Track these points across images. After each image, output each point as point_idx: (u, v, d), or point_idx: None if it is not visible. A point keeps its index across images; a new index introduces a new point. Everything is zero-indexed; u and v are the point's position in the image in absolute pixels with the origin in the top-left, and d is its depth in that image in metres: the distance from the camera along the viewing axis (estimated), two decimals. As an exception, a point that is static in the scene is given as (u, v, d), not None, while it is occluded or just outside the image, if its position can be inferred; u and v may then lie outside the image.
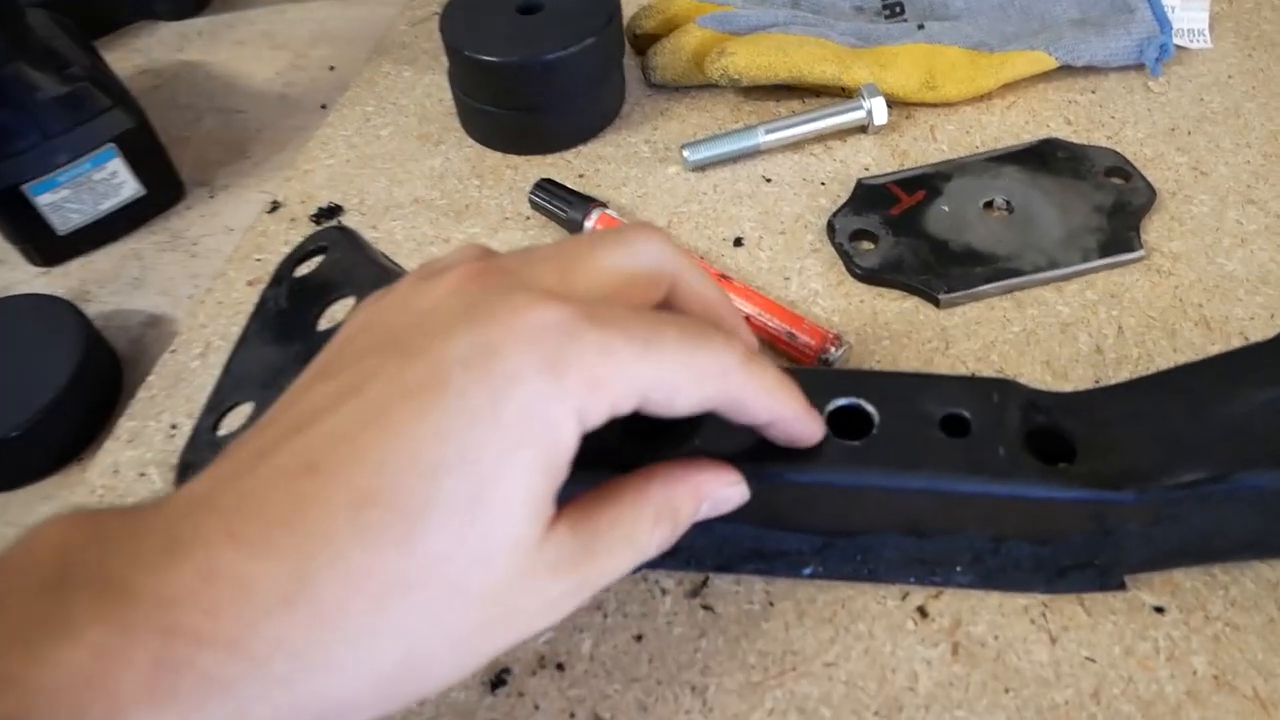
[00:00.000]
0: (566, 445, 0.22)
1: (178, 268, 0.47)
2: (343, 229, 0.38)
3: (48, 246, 0.47)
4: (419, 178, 0.49)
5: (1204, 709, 0.29)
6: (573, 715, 0.31)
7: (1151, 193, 0.44)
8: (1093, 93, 0.50)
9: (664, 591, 0.33)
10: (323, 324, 0.36)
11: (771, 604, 0.33)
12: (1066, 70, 0.51)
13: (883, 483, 0.28)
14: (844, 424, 0.30)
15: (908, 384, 0.30)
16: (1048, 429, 0.29)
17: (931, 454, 0.28)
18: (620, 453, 0.28)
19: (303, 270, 0.38)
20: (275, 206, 0.48)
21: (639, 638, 0.32)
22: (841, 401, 0.29)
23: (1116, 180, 0.44)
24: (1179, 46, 0.52)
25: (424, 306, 0.23)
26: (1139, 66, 0.51)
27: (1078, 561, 0.30)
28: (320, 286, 0.37)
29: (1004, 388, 0.30)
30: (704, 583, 0.33)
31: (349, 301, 0.36)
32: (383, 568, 0.20)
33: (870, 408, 0.29)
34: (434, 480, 0.20)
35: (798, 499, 0.30)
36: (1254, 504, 0.28)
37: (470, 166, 0.50)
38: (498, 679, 0.32)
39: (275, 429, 0.22)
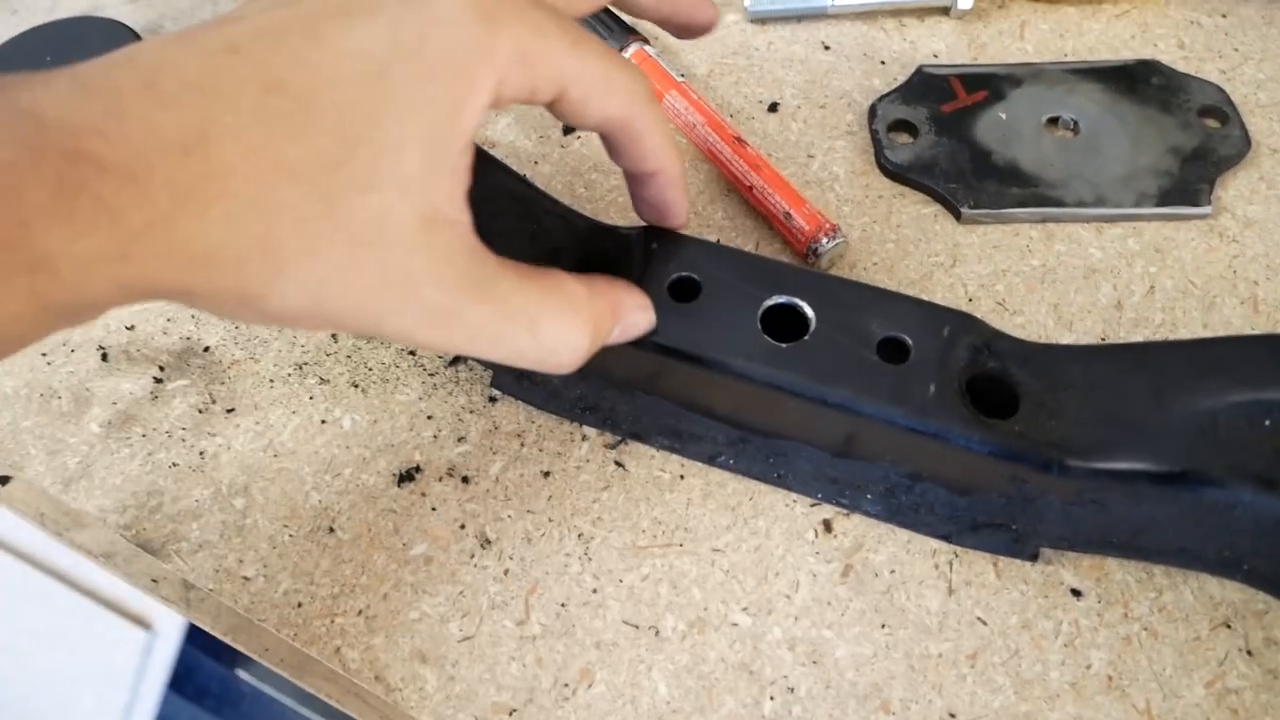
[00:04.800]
0: (478, 104, 0.19)
1: (246, 21, 0.42)
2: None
3: (135, -25, 0.42)
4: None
5: (1083, 705, 0.23)
6: (463, 527, 0.27)
7: (1246, 144, 0.33)
8: (1223, 16, 0.38)
9: (584, 438, 0.28)
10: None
11: (682, 478, 0.27)
12: (1202, -14, 0.38)
13: (798, 389, 0.22)
14: (783, 325, 0.23)
15: (859, 295, 0.23)
16: (997, 376, 0.22)
17: (857, 373, 0.22)
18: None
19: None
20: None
21: (547, 474, 0.28)
22: (780, 299, 0.23)
23: (1210, 122, 0.34)
24: (1348, -14, 0.38)
25: None
26: (1289, -1, 0.38)
27: (993, 521, 0.24)
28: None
29: (961, 322, 0.23)
30: (623, 440, 0.28)
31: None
32: (276, 151, 0.18)
33: (809, 311, 0.22)
34: (342, 89, 0.18)
35: (718, 386, 0.24)
36: (1192, 512, 0.21)
37: None
38: (406, 474, 0.28)
39: (202, 25, 0.19)
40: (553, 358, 0.21)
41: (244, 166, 0.18)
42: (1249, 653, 0.24)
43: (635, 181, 0.25)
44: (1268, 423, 0.21)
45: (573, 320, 0.21)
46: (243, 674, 0.62)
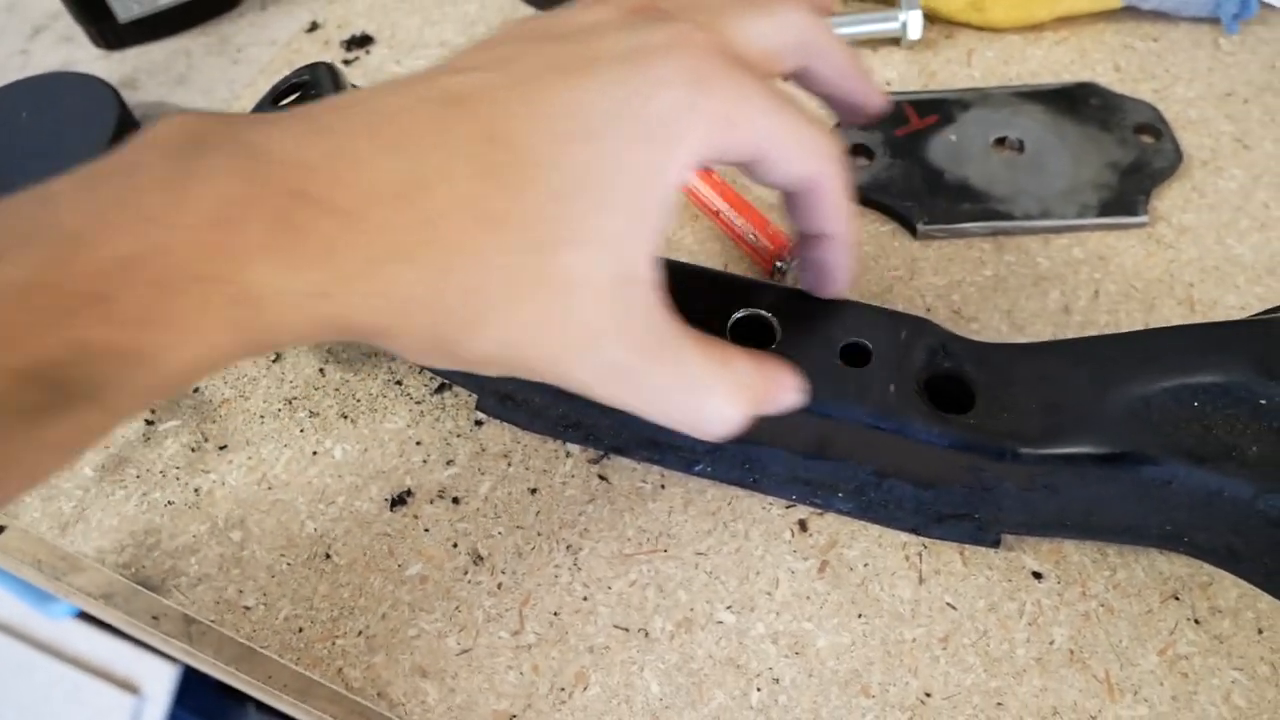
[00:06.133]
0: (683, 165, 0.21)
1: (219, 72, 0.45)
2: (330, 66, 0.35)
3: (109, 31, 0.46)
4: (453, 20, 0.46)
5: (1049, 678, 0.26)
6: (455, 545, 0.30)
7: (1178, 157, 0.37)
8: (1154, 40, 0.43)
9: (568, 455, 0.32)
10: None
11: (663, 487, 0.31)
12: (1131, 12, 0.44)
13: (766, 396, 0.25)
14: (747, 335, 0.26)
15: (821, 305, 0.27)
16: (952, 375, 0.26)
17: (821, 378, 0.25)
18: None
19: (286, 104, 0.36)
20: (314, 26, 0.45)
21: (534, 490, 0.31)
22: (745, 312, 0.26)
23: (1145, 138, 0.38)
24: (1266, 5, 0.43)
25: (584, 21, 0.22)
26: (1213, 20, 0.43)
27: (956, 511, 0.27)
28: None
29: (916, 326, 0.26)
30: (605, 454, 0.31)
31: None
32: (489, 201, 0.19)
33: (775, 322, 0.26)
34: (561, 145, 0.20)
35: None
36: (1133, 489, 0.25)
37: (501, 18, 0.46)
38: (398, 498, 0.31)
39: (422, 76, 0.21)
40: (706, 428, 0.23)
41: (457, 215, 0.19)
42: (1196, 621, 0.27)
43: (808, 243, 0.26)
44: (1195, 404, 0.25)
45: (737, 399, 0.22)
46: (231, 733, 0.63)
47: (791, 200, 0.25)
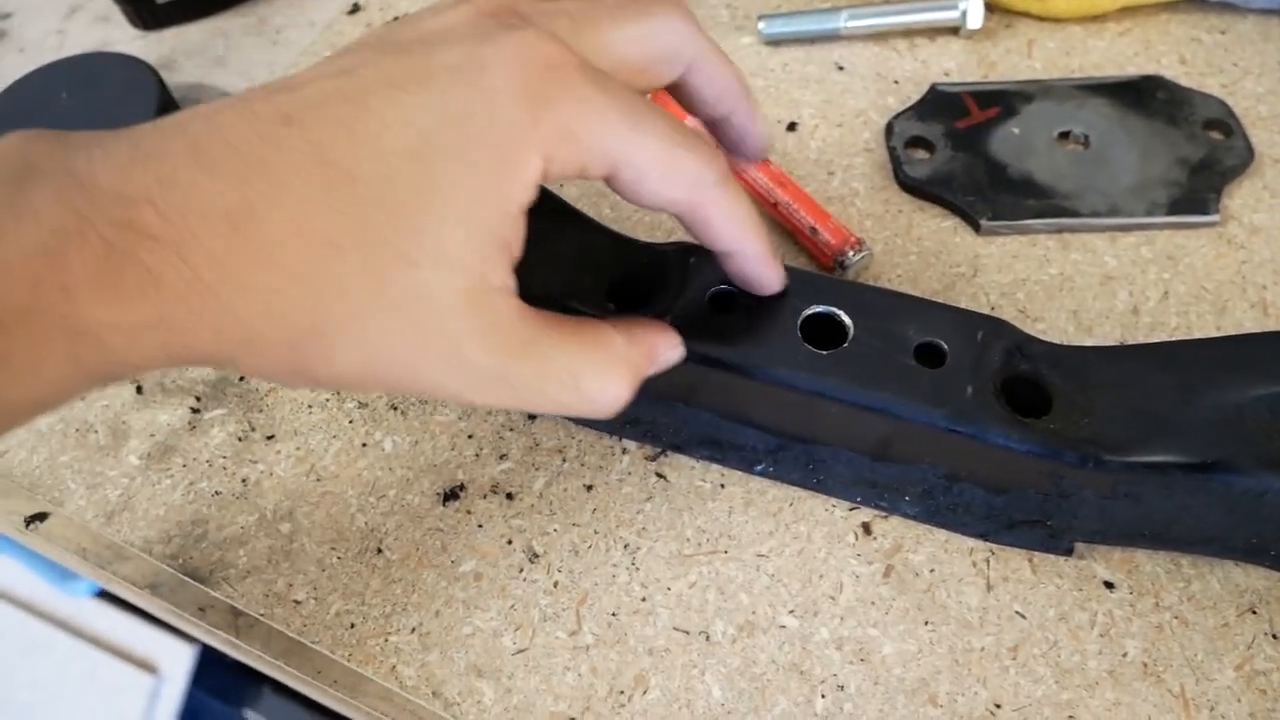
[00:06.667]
0: (525, 182, 0.20)
1: (259, 53, 0.45)
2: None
3: (146, 11, 0.45)
4: (498, 4, 0.45)
5: (1122, 692, 0.26)
6: (510, 542, 0.30)
7: (1250, 155, 0.36)
8: (1221, 33, 0.42)
9: (625, 451, 0.31)
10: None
11: (723, 486, 0.30)
12: (1197, 3, 0.42)
13: (840, 395, 0.25)
14: (820, 333, 0.26)
15: (894, 303, 0.26)
16: (1029, 378, 0.25)
17: (896, 378, 0.24)
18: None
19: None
20: (355, 9, 0.45)
21: (589, 487, 0.30)
22: (819, 309, 0.26)
23: (1214, 134, 0.37)
24: (1338, -1, 0.42)
25: (433, 27, 0.22)
26: (1284, 14, 0.42)
27: (1029, 518, 0.27)
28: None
29: (993, 326, 0.26)
30: (664, 451, 0.31)
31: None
32: (323, 224, 0.19)
33: (847, 320, 0.25)
34: (388, 162, 0.19)
35: (758, 395, 0.27)
36: (1222, 500, 0.24)
37: None
38: (451, 493, 0.31)
39: (260, 90, 0.20)
40: (593, 408, 0.23)
41: (290, 240, 0.19)
42: (1275, 636, 0.26)
43: (719, 256, 0.25)
44: (1290, 414, 0.24)
45: (613, 372, 0.23)
46: (251, 715, 0.63)
47: (680, 220, 0.24)
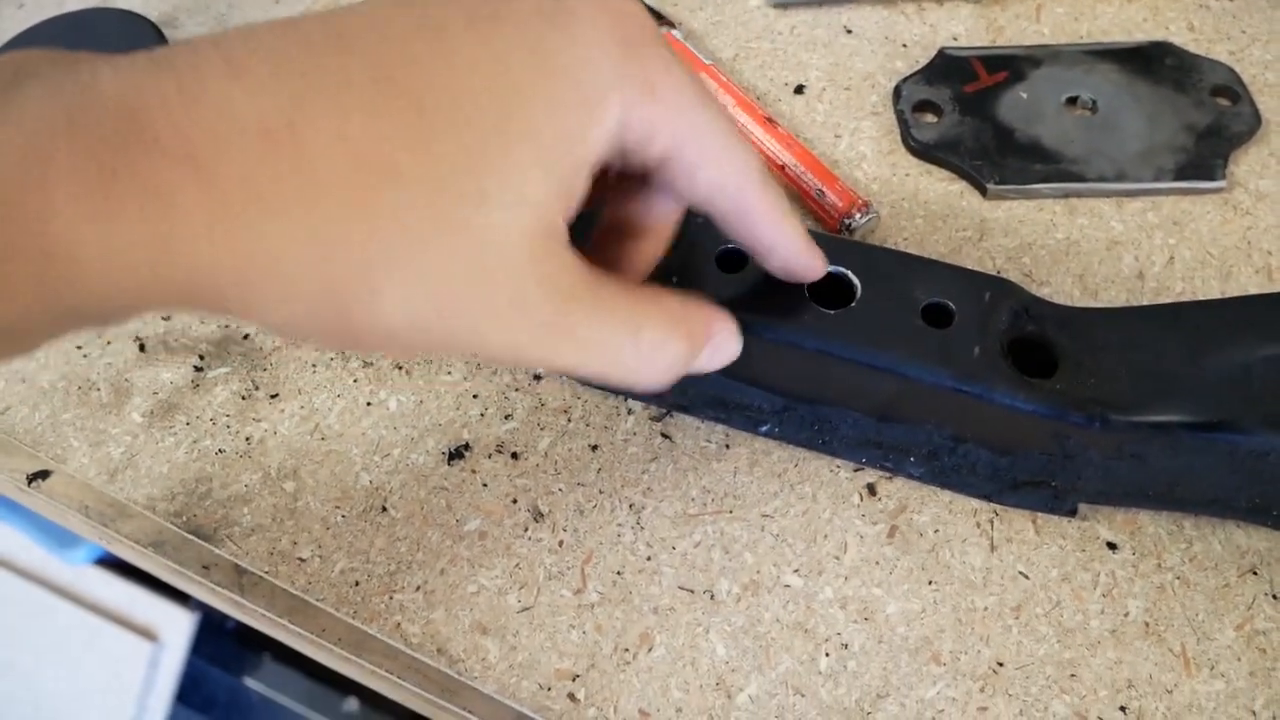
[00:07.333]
0: (605, 128, 0.19)
1: (262, 12, 0.44)
2: None
3: (145, -34, 0.44)
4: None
5: (1124, 651, 0.26)
6: (515, 501, 0.29)
7: (1257, 121, 0.36)
8: (1230, 0, 0.41)
9: (629, 411, 0.31)
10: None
11: (728, 447, 0.30)
12: (1210, -30, 0.42)
13: (847, 355, 0.25)
14: (827, 292, 0.26)
15: (902, 263, 0.26)
16: (1035, 339, 0.25)
17: (904, 338, 0.24)
18: None
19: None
20: (357, -33, 0.44)
21: (594, 447, 0.30)
22: (828, 268, 0.25)
23: (1222, 101, 0.37)
24: (1349, -33, 0.42)
25: None
26: (1295, -19, 0.42)
27: (1033, 479, 0.27)
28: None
29: (1000, 287, 0.26)
30: (669, 412, 0.31)
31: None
32: (383, 149, 0.17)
33: (855, 280, 0.25)
34: (468, 96, 0.18)
35: (765, 355, 0.26)
36: (1227, 460, 0.24)
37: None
38: (456, 452, 0.30)
39: (308, 17, 0.18)
40: (650, 368, 0.21)
41: (341, 162, 0.16)
42: (1275, 596, 0.27)
43: (755, 255, 0.25)
44: (1295, 375, 0.24)
45: (672, 330, 0.21)
46: (250, 682, 0.63)
47: (718, 218, 0.23)
